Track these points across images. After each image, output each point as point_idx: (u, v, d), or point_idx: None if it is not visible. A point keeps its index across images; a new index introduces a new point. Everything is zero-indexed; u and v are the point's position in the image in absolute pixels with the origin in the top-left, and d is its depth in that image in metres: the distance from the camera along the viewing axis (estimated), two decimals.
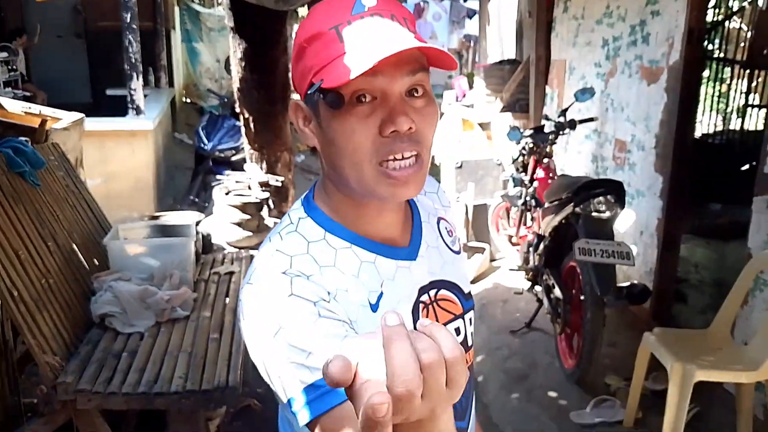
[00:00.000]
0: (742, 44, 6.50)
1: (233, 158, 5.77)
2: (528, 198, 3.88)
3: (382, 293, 0.79)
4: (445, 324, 0.87)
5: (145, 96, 7.13)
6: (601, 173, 3.99)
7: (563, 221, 2.97)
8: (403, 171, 0.74)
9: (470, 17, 11.22)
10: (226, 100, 6.24)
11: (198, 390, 1.76)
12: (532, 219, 3.84)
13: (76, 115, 3.08)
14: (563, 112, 3.86)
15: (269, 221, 3.20)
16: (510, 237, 4.64)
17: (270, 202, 3.51)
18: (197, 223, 2.85)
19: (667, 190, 3.28)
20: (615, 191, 2.71)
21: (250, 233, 3.03)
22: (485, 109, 5.07)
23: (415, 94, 0.74)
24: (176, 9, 11.39)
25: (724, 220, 4.44)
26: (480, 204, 4.89)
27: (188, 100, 11.99)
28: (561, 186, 3.05)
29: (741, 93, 6.46)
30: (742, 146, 6.43)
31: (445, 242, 0.93)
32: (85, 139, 5.50)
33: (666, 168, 3.28)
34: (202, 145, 5.66)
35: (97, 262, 2.37)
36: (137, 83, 5.16)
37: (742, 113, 6.51)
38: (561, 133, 3.83)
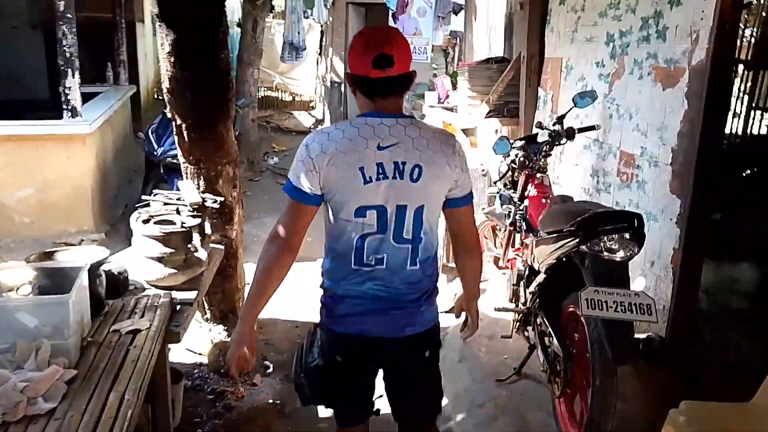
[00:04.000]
0: (746, 43, 5.99)
1: None
2: (517, 218, 3.31)
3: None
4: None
5: (97, 94, 6.50)
6: (602, 190, 3.42)
7: (563, 258, 2.39)
8: None
9: (456, 13, 10.58)
10: None
11: None
12: (522, 243, 3.26)
13: None
14: (560, 119, 3.30)
15: (203, 252, 2.59)
16: (496, 259, 4.06)
17: (207, 226, 2.89)
18: (102, 261, 2.23)
19: (686, 215, 2.72)
20: (632, 227, 2.14)
21: (174, 270, 2.42)
22: (470, 112, 4.49)
23: None
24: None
25: (730, 235, 3.92)
26: None
27: (161, 98, 11.30)
28: (561, 213, 2.47)
29: (745, 95, 5.98)
30: (746, 151, 5.97)
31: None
32: (14, 144, 4.86)
33: (686, 189, 2.71)
34: (153, 151, 5.01)
35: None
36: (73, 81, 4.52)
37: (745, 116, 6.04)
38: (557, 143, 3.27)
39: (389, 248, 1.75)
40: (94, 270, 2.13)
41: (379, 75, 1.68)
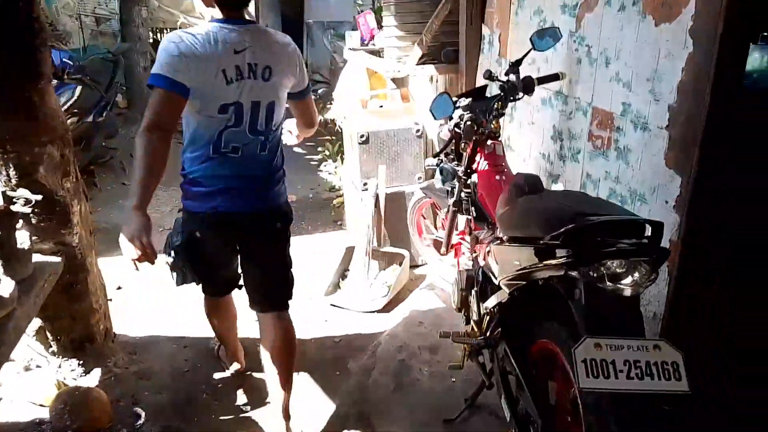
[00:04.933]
0: None
1: None
2: (463, 198, 2.54)
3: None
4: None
5: None
6: (567, 158, 2.69)
7: (540, 281, 1.64)
8: None
9: None
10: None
11: None
12: (471, 232, 2.52)
13: None
14: (514, 67, 2.53)
15: (5, 285, 1.69)
16: (436, 243, 3.32)
17: (24, 236, 1.98)
18: None
19: (689, 198, 2.02)
20: (647, 244, 1.39)
21: None
22: (399, 58, 3.62)
23: None
24: None
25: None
26: (395, 191, 3.53)
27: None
28: (535, 213, 1.70)
29: None
30: None
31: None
32: None
33: (689, 162, 2.00)
34: None
35: None
36: None
37: None
38: (511, 99, 2.51)
39: (244, 138, 1.99)
40: None
41: None
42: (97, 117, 4.84)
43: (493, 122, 2.49)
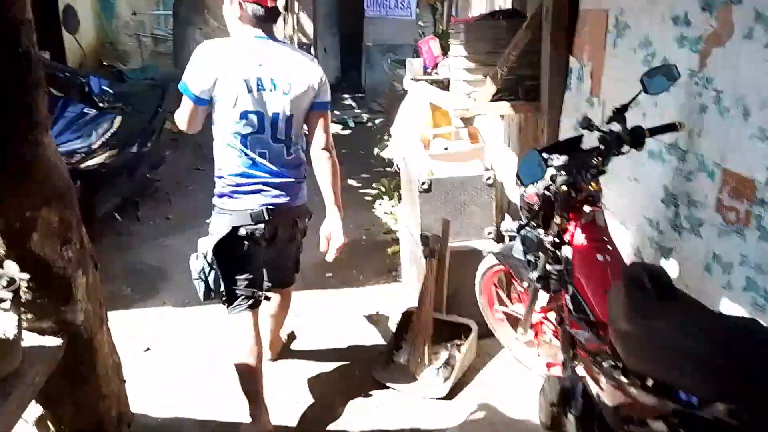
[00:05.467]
0: None
1: (83, 165, 3.78)
2: (552, 276, 2.04)
3: None
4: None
5: None
6: (683, 229, 2.13)
7: None
8: None
9: None
10: (71, 74, 4.18)
11: None
12: (558, 308, 2.00)
13: None
14: (619, 114, 2.03)
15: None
16: (509, 318, 2.79)
17: (13, 320, 1.60)
18: None
19: None
20: None
21: None
22: (468, 92, 3.14)
23: None
24: None
25: None
26: (461, 248, 3.03)
27: (105, 63, 9.79)
28: (684, 351, 1.17)
29: None
30: None
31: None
32: None
33: None
34: None
35: None
36: None
37: None
38: (615, 153, 2.00)
39: (269, 145, 2.24)
40: None
41: (273, 4, 2.22)
42: (142, 147, 4.57)
43: (591, 182, 1.98)
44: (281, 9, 2.34)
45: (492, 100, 3.01)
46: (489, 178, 3.03)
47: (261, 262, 2.35)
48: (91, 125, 3.78)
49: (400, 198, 4.68)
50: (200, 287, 2.24)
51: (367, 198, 5.45)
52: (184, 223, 4.59)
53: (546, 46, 2.90)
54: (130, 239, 4.43)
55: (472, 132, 3.32)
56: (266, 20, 2.21)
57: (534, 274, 2.17)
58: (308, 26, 8.65)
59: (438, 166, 3.09)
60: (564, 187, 1.83)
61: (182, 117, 2.24)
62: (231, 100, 2.14)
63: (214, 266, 2.20)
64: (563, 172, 1.87)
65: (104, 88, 4.23)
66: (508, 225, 2.24)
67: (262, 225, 2.22)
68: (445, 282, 2.96)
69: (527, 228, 2.17)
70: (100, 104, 4.06)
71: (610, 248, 1.94)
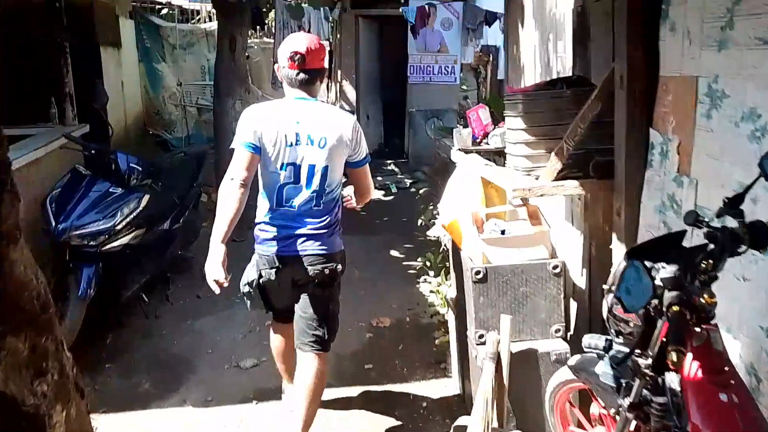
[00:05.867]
0: None
1: (106, 247, 3.52)
2: (655, 409, 1.59)
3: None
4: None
5: (21, 138, 4.98)
6: None
7: None
8: None
9: (489, 23, 8.97)
10: (97, 151, 3.99)
11: None
12: None
13: None
14: (733, 205, 1.60)
15: None
16: None
17: None
18: None
19: None
20: None
21: None
22: (528, 169, 2.76)
23: None
24: (129, 22, 9.34)
25: None
26: (524, 349, 2.58)
27: (150, 131, 9.90)
28: None
29: None
30: None
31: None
32: None
33: None
34: (51, 227, 3.41)
35: None
36: None
37: None
38: (729, 254, 1.57)
39: (302, 194, 2.51)
40: None
41: (301, 67, 2.51)
42: (174, 224, 4.32)
43: (703, 294, 1.55)
44: (317, 71, 2.55)
45: (557, 179, 2.61)
46: (556, 267, 2.61)
47: (286, 297, 2.65)
48: (116, 204, 3.55)
49: (447, 274, 4.27)
50: (246, 302, 2.73)
51: (410, 271, 5.04)
52: (216, 301, 4.26)
53: (621, 117, 2.52)
54: (157, 323, 4.12)
55: (532, 212, 2.92)
56: (303, 83, 2.52)
57: (625, 401, 1.71)
58: (351, 93, 8.55)
59: (494, 252, 2.69)
60: (675, 308, 1.40)
61: (237, 167, 2.42)
62: (271, 153, 2.46)
63: (255, 295, 2.65)
64: (671, 287, 1.44)
65: (132, 165, 4.04)
66: (593, 340, 1.80)
67: (274, 270, 2.53)
68: (506, 390, 2.51)
69: (616, 343, 1.73)
70: (128, 182, 3.86)
71: (734, 382, 1.48)
